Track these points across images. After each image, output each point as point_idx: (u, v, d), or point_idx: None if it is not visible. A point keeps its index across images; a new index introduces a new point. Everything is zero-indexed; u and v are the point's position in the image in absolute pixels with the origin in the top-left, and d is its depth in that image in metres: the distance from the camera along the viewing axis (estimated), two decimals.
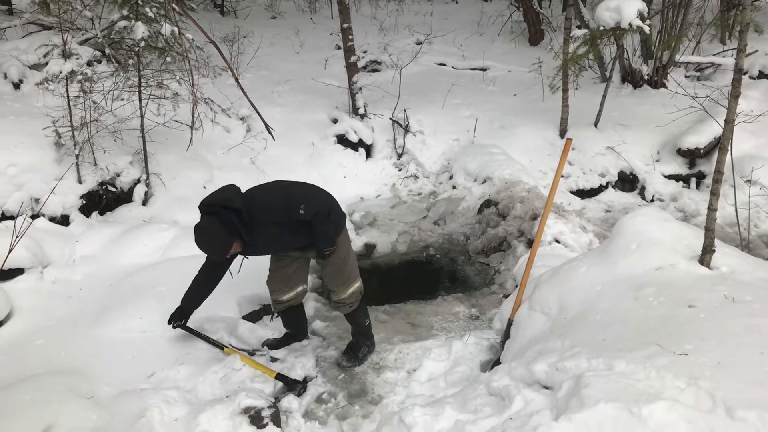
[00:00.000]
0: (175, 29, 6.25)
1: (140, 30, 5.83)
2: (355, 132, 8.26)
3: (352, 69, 8.40)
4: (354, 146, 8.24)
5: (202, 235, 3.68)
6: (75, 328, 4.53)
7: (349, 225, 6.81)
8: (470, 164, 7.62)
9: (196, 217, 6.11)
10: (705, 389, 2.52)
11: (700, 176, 7.93)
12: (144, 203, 6.43)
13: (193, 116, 6.97)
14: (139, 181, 6.48)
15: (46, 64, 5.87)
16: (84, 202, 6.05)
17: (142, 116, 6.32)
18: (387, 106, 8.75)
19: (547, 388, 3.04)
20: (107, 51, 7.50)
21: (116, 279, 5.09)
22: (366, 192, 7.87)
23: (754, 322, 2.95)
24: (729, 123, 3.61)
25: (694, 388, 2.54)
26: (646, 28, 7.13)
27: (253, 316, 4.83)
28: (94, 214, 6.13)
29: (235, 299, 4.83)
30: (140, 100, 6.27)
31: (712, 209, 3.62)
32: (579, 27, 8.85)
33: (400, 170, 8.23)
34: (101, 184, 6.22)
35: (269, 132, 7.48)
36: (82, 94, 6.00)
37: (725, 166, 3.71)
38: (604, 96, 8.20)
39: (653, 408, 2.44)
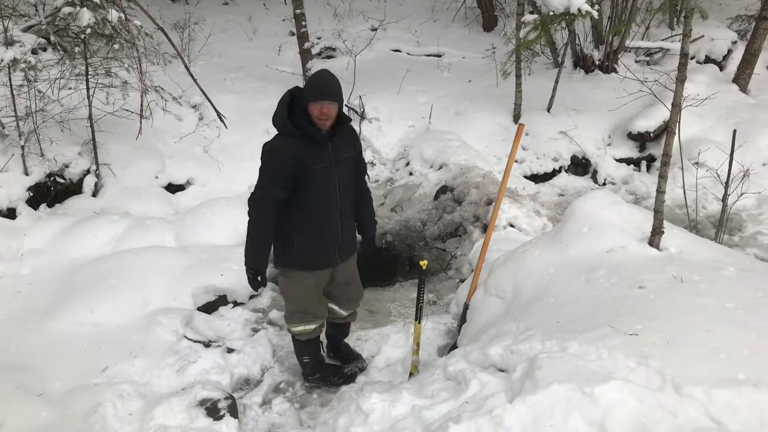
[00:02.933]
0: (122, 15, 6.09)
1: (86, 16, 5.66)
2: None
3: (306, 56, 8.33)
4: None
5: (329, 74, 3.48)
6: (24, 323, 4.42)
7: None
8: (426, 151, 7.64)
9: (147, 208, 6.09)
10: (654, 368, 2.57)
11: (651, 159, 8.09)
12: (94, 194, 6.28)
13: (142, 105, 6.82)
14: (88, 171, 6.32)
15: None
16: (31, 194, 5.87)
17: (90, 105, 6.16)
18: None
19: (502, 371, 3.07)
20: (52, 38, 7.27)
21: (66, 272, 4.97)
22: None
23: (702, 301, 3.02)
24: (676, 107, 3.68)
25: (644, 367, 2.59)
26: (595, 13, 7.22)
27: (208, 307, 4.78)
28: (43, 206, 5.96)
29: (189, 290, 4.76)
30: (88, 89, 6.11)
31: (660, 191, 3.69)
32: (531, 12, 8.92)
33: None
34: (49, 175, 6.05)
35: (221, 120, 7.38)
36: (27, 83, 5.81)
37: (673, 149, 3.79)
38: (557, 81, 8.29)
39: (605, 388, 2.49)
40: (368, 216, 4.03)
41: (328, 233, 3.67)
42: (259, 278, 3.60)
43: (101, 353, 4.11)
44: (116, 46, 6.22)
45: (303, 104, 3.40)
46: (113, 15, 5.88)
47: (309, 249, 3.65)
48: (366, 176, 3.98)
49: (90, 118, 6.19)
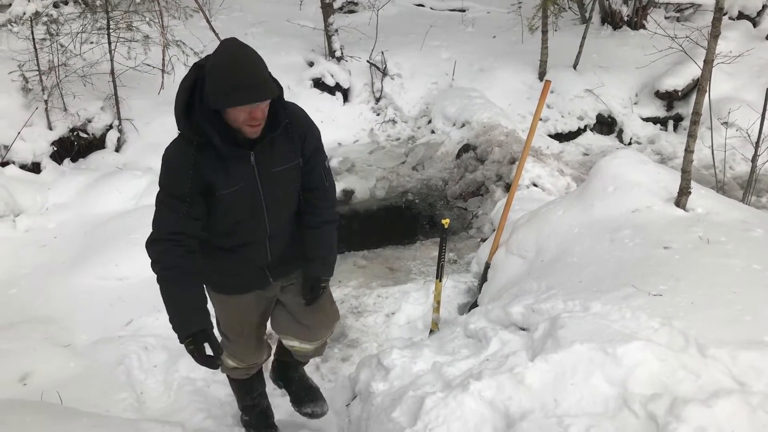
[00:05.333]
0: None
1: None
2: (332, 75, 8.11)
3: (327, 10, 8.20)
4: (331, 90, 8.10)
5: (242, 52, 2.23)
6: (50, 276, 4.49)
7: None
8: (449, 108, 7.55)
9: None
10: (678, 329, 2.55)
11: (678, 119, 7.93)
12: (117, 150, 6.31)
13: (163, 60, 6.79)
14: (111, 126, 6.34)
15: (10, 5, 5.64)
16: (55, 148, 5.92)
17: (111, 60, 6.15)
18: (364, 49, 8.58)
19: (523, 329, 3.07)
20: None
21: (91, 227, 5.03)
22: (344, 137, 7.77)
23: (728, 263, 2.99)
24: (708, 63, 3.58)
25: (668, 328, 2.58)
26: None
27: None
28: (66, 161, 6.01)
29: None
30: (109, 43, 6.09)
31: (689, 151, 3.62)
32: None
33: (378, 115, 8.13)
34: (72, 130, 6.09)
35: None
36: (49, 37, 5.81)
37: (702, 107, 3.70)
38: (584, 38, 8.11)
39: (627, 347, 2.48)
40: (316, 249, 2.74)
41: (249, 259, 2.65)
42: (205, 345, 2.37)
43: (125, 306, 4.18)
44: (137, 0, 6.16)
45: (210, 105, 2.24)
46: None
47: (220, 270, 2.66)
48: (323, 189, 2.68)
49: (112, 72, 6.18)
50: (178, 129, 2.35)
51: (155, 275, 2.36)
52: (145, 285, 4.34)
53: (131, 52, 6.44)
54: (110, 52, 6.12)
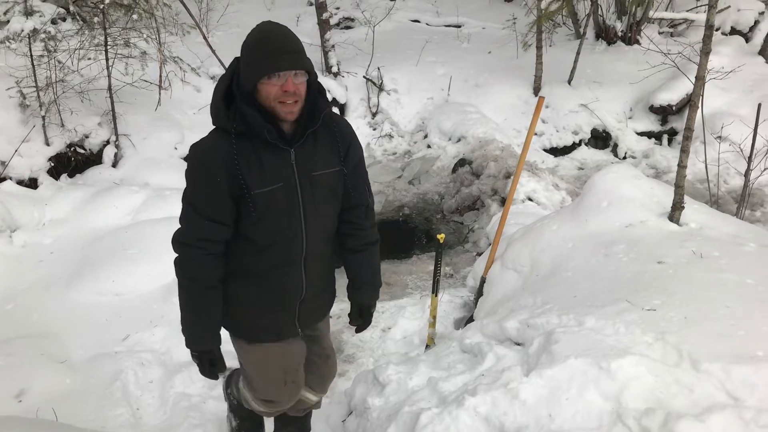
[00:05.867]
0: None
1: None
2: (329, 91, 8.15)
3: (324, 26, 8.26)
4: None
5: (278, 25, 2.19)
6: (46, 292, 4.49)
7: None
8: (445, 123, 7.59)
9: (166, 178, 6.12)
10: (672, 343, 2.57)
11: (672, 133, 7.98)
12: (114, 165, 6.32)
13: (161, 75, 6.83)
14: (108, 142, 6.36)
15: (8, 22, 5.68)
16: (52, 164, 5.93)
17: (109, 75, 6.18)
18: (361, 64, 8.64)
19: (518, 344, 3.08)
20: (71, 8, 7.28)
21: (87, 242, 5.03)
22: None
23: (721, 277, 3.01)
24: (699, 80, 3.62)
25: (662, 343, 2.59)
26: None
27: None
28: (63, 176, 6.02)
29: None
30: (107, 60, 6.12)
31: (682, 166, 3.65)
32: None
33: (374, 129, 8.17)
34: (69, 145, 6.10)
35: None
36: (47, 54, 5.83)
37: (696, 122, 3.74)
38: (578, 53, 8.17)
39: (621, 362, 2.49)
40: (363, 273, 2.65)
41: (281, 287, 2.42)
42: (210, 363, 2.42)
43: (122, 322, 4.17)
44: (135, 17, 6.21)
45: (247, 86, 2.13)
46: None
47: (250, 310, 2.45)
48: (365, 207, 2.53)
49: (109, 88, 6.21)
50: (214, 123, 2.21)
51: (176, 274, 2.31)
52: (141, 300, 4.36)
53: (129, 68, 6.47)
54: (108, 68, 6.15)
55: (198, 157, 2.20)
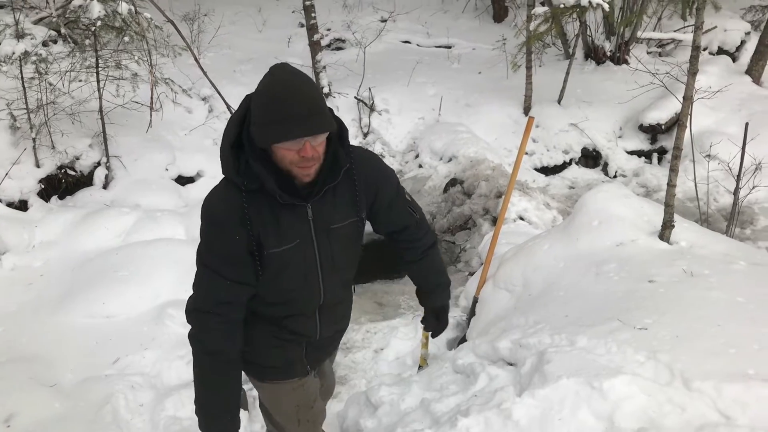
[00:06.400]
0: (132, 8, 6.10)
1: (96, 9, 5.68)
2: None
3: (315, 47, 8.32)
4: None
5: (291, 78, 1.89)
6: (36, 315, 4.45)
7: None
8: (436, 143, 7.62)
9: (158, 200, 6.11)
10: (663, 362, 2.57)
11: (662, 151, 8.04)
12: (105, 187, 6.31)
13: (152, 97, 6.84)
14: (99, 164, 6.35)
15: None
16: (43, 186, 5.91)
17: (100, 97, 6.18)
18: (352, 85, 8.68)
19: (511, 364, 3.07)
20: (63, 30, 7.31)
21: (78, 264, 5.00)
22: None
23: (711, 295, 3.02)
24: (687, 100, 3.66)
25: (653, 362, 2.59)
26: (606, 5, 7.16)
27: None
28: (54, 198, 6.00)
29: None
30: (98, 81, 6.13)
31: (671, 185, 3.68)
32: (542, 4, 8.86)
33: None
34: (60, 167, 6.09)
35: (230, 112, 7.38)
36: (38, 76, 5.84)
37: (685, 141, 3.77)
38: (567, 73, 8.24)
39: (614, 382, 2.49)
40: (430, 278, 2.61)
41: (293, 332, 2.29)
42: None
43: (112, 345, 4.14)
44: (126, 39, 6.23)
45: (259, 144, 1.91)
46: (123, 7, 5.89)
47: (258, 351, 2.27)
48: (414, 224, 2.48)
49: (100, 110, 6.21)
50: (223, 172, 1.99)
51: (191, 348, 2.09)
52: (131, 323, 4.33)
53: (120, 89, 6.49)
54: (99, 90, 6.15)
55: (211, 214, 2.01)
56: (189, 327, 2.11)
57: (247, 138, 1.94)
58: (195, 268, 2.09)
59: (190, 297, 2.09)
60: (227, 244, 1.98)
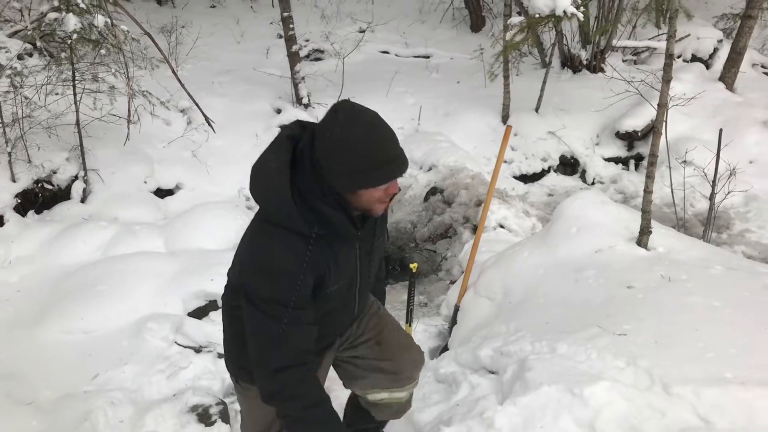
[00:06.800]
0: (109, 20, 6.07)
1: (72, 22, 5.64)
2: None
3: (294, 58, 8.32)
4: None
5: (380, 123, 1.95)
6: (13, 331, 4.39)
7: None
8: (415, 152, 7.64)
9: (136, 213, 6.07)
10: (643, 368, 2.59)
11: (639, 158, 8.12)
12: (83, 200, 6.25)
13: (129, 110, 6.80)
14: (76, 177, 6.29)
15: None
16: (19, 201, 5.84)
17: (77, 111, 6.13)
18: (331, 95, 8.69)
19: (492, 372, 3.08)
20: (38, 44, 7.25)
21: (55, 279, 4.94)
22: None
23: (689, 300, 3.05)
24: (662, 107, 3.71)
25: (633, 367, 2.61)
26: (580, 15, 7.24)
27: (198, 313, 4.75)
28: (30, 213, 5.92)
29: (179, 296, 4.74)
30: (75, 95, 6.08)
31: (648, 191, 3.72)
32: (519, 13, 8.95)
33: None
34: (37, 182, 6.02)
35: (209, 124, 7.37)
36: (13, 89, 5.78)
37: (661, 148, 3.82)
38: (545, 81, 8.32)
39: (594, 388, 2.51)
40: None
41: (325, 334, 2.23)
42: None
43: (91, 361, 4.09)
44: (103, 51, 6.19)
45: (342, 190, 1.90)
46: (99, 20, 5.86)
47: None
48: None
49: (77, 123, 6.16)
50: (280, 222, 1.89)
51: (283, 412, 2.00)
52: (110, 338, 4.28)
53: (97, 102, 6.44)
54: (75, 103, 6.10)
55: (279, 267, 1.90)
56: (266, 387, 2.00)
57: (316, 183, 1.88)
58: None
59: (262, 361, 1.97)
60: (301, 291, 1.93)
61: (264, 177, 1.91)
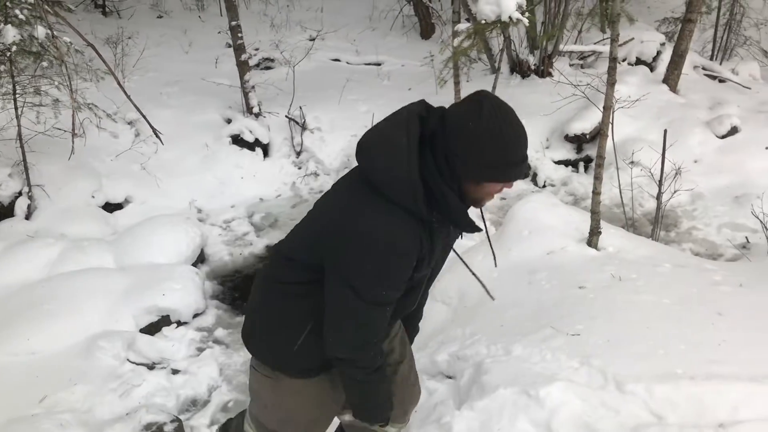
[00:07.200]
0: (50, 32, 5.92)
1: (11, 33, 5.48)
2: (251, 131, 8.08)
3: (243, 67, 8.23)
4: (250, 146, 8.05)
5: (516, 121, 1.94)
6: None
7: (249, 227, 6.71)
8: None
9: (84, 229, 5.91)
10: (596, 367, 2.63)
11: (588, 160, 8.24)
12: (27, 217, 6.06)
13: (74, 123, 6.64)
14: (20, 193, 6.10)
15: None
16: None
17: (19, 125, 5.95)
18: (282, 104, 8.63)
19: (449, 377, 3.09)
20: None
21: (0, 300, 4.78)
22: (265, 192, 7.73)
23: (640, 299, 3.11)
24: (607, 109, 3.78)
25: (587, 367, 2.65)
26: (525, 21, 7.33)
27: (151, 329, 4.66)
28: None
29: (131, 312, 4.64)
30: (16, 109, 5.90)
31: (596, 193, 3.79)
32: (467, 20, 9.03)
33: (299, 168, 8.14)
34: None
35: (157, 136, 7.25)
36: None
37: (608, 149, 3.89)
38: (494, 87, 8.38)
39: (549, 389, 2.53)
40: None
41: None
42: None
43: (39, 382, 3.96)
44: (45, 64, 6.02)
45: (470, 178, 1.89)
46: (40, 32, 5.71)
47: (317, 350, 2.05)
48: None
49: (19, 138, 5.98)
50: (402, 201, 1.82)
51: (348, 372, 2.04)
52: (59, 358, 4.15)
53: (40, 116, 6.27)
54: (17, 117, 5.93)
55: (398, 248, 1.85)
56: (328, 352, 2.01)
57: (439, 170, 1.85)
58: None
59: (345, 335, 1.95)
60: (406, 273, 1.92)
61: (393, 151, 1.84)
